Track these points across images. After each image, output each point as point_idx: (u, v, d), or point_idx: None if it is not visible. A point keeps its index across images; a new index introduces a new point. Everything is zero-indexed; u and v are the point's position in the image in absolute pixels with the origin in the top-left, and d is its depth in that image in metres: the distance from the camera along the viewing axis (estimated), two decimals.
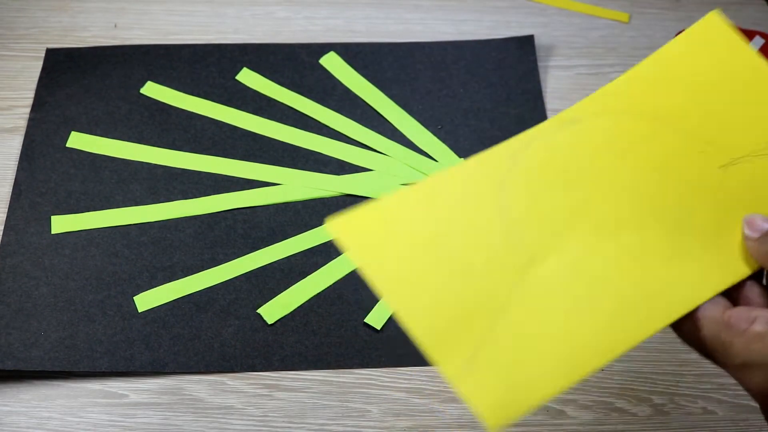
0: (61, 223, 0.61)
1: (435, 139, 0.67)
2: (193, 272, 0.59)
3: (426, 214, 0.38)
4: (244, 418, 0.54)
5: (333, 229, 0.37)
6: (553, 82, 0.72)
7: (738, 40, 0.42)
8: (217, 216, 0.63)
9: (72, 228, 0.61)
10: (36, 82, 0.70)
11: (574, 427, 0.54)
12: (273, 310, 0.58)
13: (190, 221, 0.62)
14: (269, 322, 0.57)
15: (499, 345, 0.35)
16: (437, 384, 0.55)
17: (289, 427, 0.54)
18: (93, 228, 0.61)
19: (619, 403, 0.55)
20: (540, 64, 0.73)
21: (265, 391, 0.55)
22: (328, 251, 0.61)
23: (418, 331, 0.35)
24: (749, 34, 0.73)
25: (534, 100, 0.70)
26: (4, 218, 0.62)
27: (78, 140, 0.66)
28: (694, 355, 0.56)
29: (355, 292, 0.59)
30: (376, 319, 0.57)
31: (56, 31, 0.74)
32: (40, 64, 0.71)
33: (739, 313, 0.35)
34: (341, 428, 0.54)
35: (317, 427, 0.54)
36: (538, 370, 0.35)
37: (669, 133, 0.40)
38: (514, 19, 0.77)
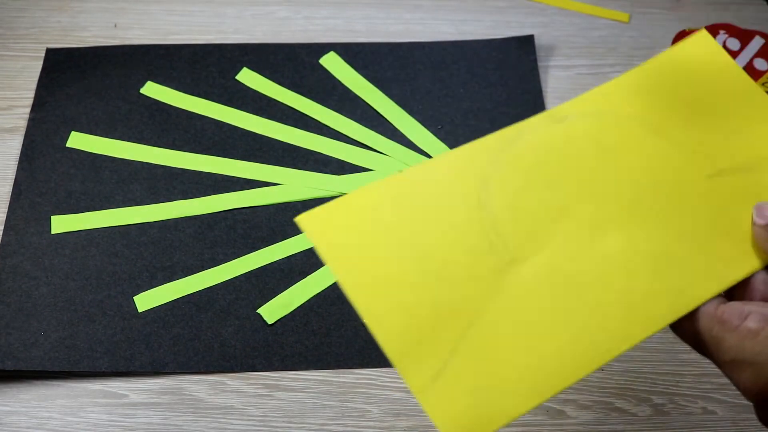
0: (61, 223, 0.61)
1: (435, 139, 0.67)
2: (193, 272, 0.59)
3: (401, 208, 0.37)
4: (244, 418, 0.54)
5: (302, 223, 0.36)
6: (553, 82, 0.72)
7: (727, 58, 0.43)
8: (217, 216, 0.63)
9: (72, 228, 0.61)
10: (36, 82, 0.70)
11: (574, 427, 0.54)
12: (273, 310, 0.58)
13: (190, 221, 0.62)
14: (269, 322, 0.57)
15: (470, 356, 0.34)
16: None
17: (289, 427, 0.54)
18: (93, 228, 0.61)
19: (619, 403, 0.55)
20: (540, 64, 0.73)
21: (265, 391, 0.55)
22: None
23: (384, 337, 0.34)
24: (749, 34, 0.73)
25: (534, 100, 0.70)
26: (4, 218, 0.62)
27: (78, 140, 0.66)
28: (694, 355, 0.57)
29: None
30: None
31: (56, 31, 0.74)
32: (40, 64, 0.71)
33: (732, 308, 0.34)
34: (341, 428, 0.54)
35: (317, 427, 0.54)
36: (510, 385, 0.33)
37: (656, 139, 0.40)
38: (514, 19, 0.77)
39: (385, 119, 0.69)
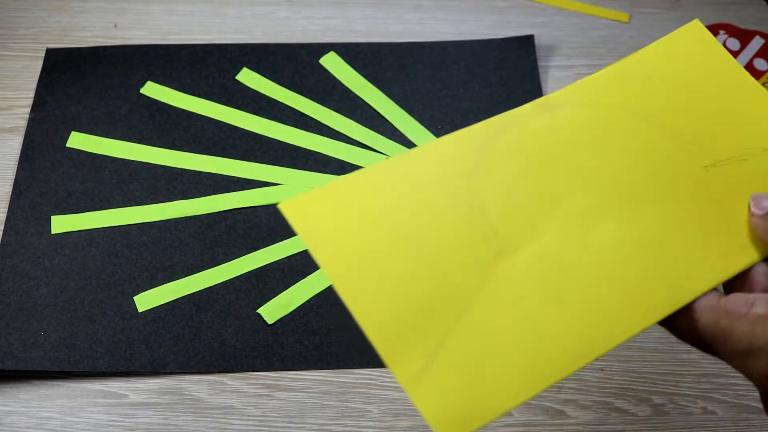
0: (61, 223, 0.61)
1: (435, 139, 0.67)
2: (193, 272, 0.59)
3: (388, 196, 0.35)
4: (244, 418, 0.54)
5: (285, 210, 0.34)
6: (553, 82, 0.72)
7: (720, 48, 0.42)
8: (217, 216, 0.63)
9: (72, 228, 0.61)
10: (36, 82, 0.70)
11: (574, 427, 0.54)
12: (273, 310, 0.58)
13: (190, 221, 0.62)
14: (269, 322, 0.57)
15: (460, 348, 0.33)
16: None
17: (289, 427, 0.54)
18: (93, 228, 0.61)
19: (619, 403, 0.55)
20: (540, 64, 0.73)
21: (265, 391, 0.55)
22: None
23: (371, 328, 0.33)
24: (749, 34, 0.73)
25: (534, 100, 0.70)
26: (4, 218, 0.62)
27: (78, 140, 0.66)
28: (694, 355, 0.57)
29: None
30: None
31: (56, 31, 0.74)
32: (40, 64, 0.71)
33: (736, 298, 0.34)
34: (341, 428, 0.54)
35: (317, 427, 0.54)
36: (501, 378, 0.32)
37: (650, 129, 0.40)
38: (514, 19, 0.77)
39: (385, 119, 0.69)
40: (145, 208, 0.63)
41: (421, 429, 0.54)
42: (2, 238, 0.61)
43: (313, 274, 0.60)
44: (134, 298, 0.58)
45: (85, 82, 0.70)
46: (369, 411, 0.54)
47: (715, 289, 0.36)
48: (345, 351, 0.56)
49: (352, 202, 0.35)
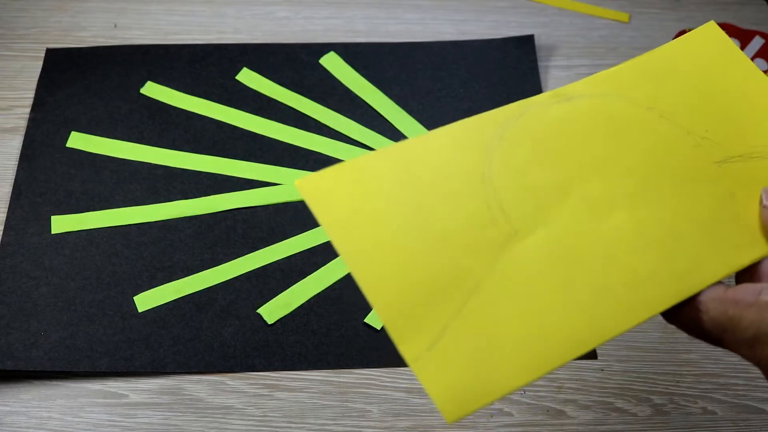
0: (61, 223, 0.61)
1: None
2: (193, 272, 0.59)
3: (402, 177, 0.36)
4: (244, 418, 0.54)
5: (301, 188, 0.35)
6: (553, 82, 0.72)
7: (735, 48, 0.43)
8: (217, 216, 0.63)
9: (72, 228, 0.61)
10: (36, 82, 0.70)
11: (574, 427, 0.54)
12: (273, 310, 0.58)
13: (190, 221, 0.62)
14: (269, 322, 0.57)
15: (467, 328, 0.33)
16: None
17: (289, 427, 0.54)
18: (93, 228, 0.61)
19: (619, 403, 0.55)
20: (540, 64, 0.73)
21: (265, 391, 0.55)
22: (328, 251, 0.61)
23: (381, 305, 0.33)
24: (749, 34, 0.73)
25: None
26: (4, 218, 0.62)
27: (78, 140, 0.66)
28: (694, 355, 0.57)
29: (355, 292, 0.58)
30: (376, 319, 0.57)
31: (56, 31, 0.74)
32: (40, 64, 0.71)
33: (744, 287, 0.34)
34: (341, 428, 0.54)
35: (317, 427, 0.54)
36: (506, 359, 0.33)
37: (664, 123, 0.40)
38: (514, 19, 0.77)
39: (385, 119, 0.69)
40: (145, 208, 0.63)
41: (420, 429, 0.54)
42: (2, 238, 0.61)
43: (313, 274, 0.60)
44: (134, 298, 0.58)
45: (85, 82, 0.70)
46: (369, 411, 0.54)
47: (720, 282, 0.36)
48: (345, 351, 0.56)
49: (366, 182, 0.36)
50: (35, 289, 0.58)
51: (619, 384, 0.56)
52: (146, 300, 0.58)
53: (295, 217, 0.63)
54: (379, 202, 0.35)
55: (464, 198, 0.36)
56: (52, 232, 0.61)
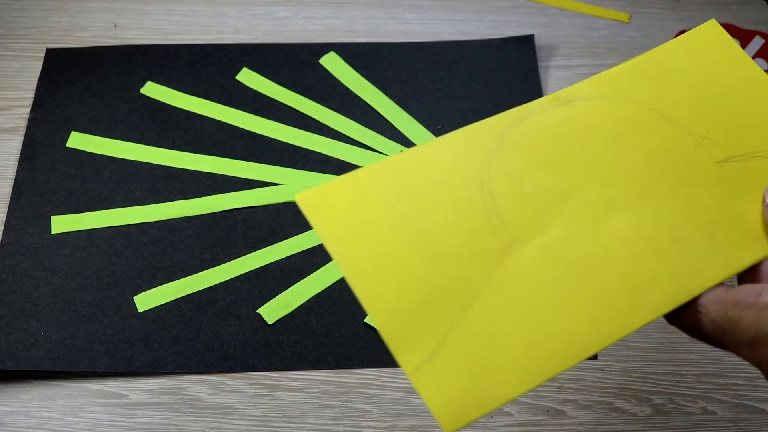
0: (61, 223, 0.61)
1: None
2: (193, 272, 0.59)
3: (401, 188, 0.36)
4: (244, 418, 0.54)
5: (301, 202, 0.35)
6: (553, 82, 0.72)
7: (736, 47, 0.43)
8: (217, 216, 0.63)
9: (72, 228, 0.61)
10: (36, 82, 0.70)
11: (574, 427, 0.54)
12: (273, 310, 0.58)
13: (190, 221, 0.62)
14: (269, 322, 0.57)
15: (466, 338, 0.33)
16: None
17: (289, 427, 0.54)
18: (93, 228, 0.61)
19: (619, 403, 0.55)
20: (540, 64, 0.73)
21: (265, 391, 0.55)
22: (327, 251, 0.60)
23: (379, 318, 0.33)
24: (749, 34, 0.73)
25: (534, 100, 0.70)
26: (4, 218, 0.62)
27: (78, 140, 0.66)
28: (694, 355, 0.57)
29: None
30: None
31: (56, 31, 0.74)
32: (40, 64, 0.71)
33: (744, 288, 0.34)
34: (341, 428, 0.54)
35: (317, 427, 0.54)
36: (505, 367, 0.33)
37: (664, 124, 0.40)
38: (514, 19, 0.77)
39: (385, 119, 0.69)
40: (145, 208, 0.63)
41: (420, 429, 0.54)
42: (2, 238, 0.61)
43: (313, 274, 0.60)
44: (134, 298, 0.58)
45: (85, 82, 0.70)
46: (369, 411, 0.54)
47: (722, 284, 0.36)
48: (345, 351, 0.56)
49: (365, 194, 0.36)
50: (35, 289, 0.58)
51: (619, 384, 0.56)
52: (146, 300, 0.58)
53: (295, 217, 0.63)
54: (379, 215, 0.35)
55: (463, 207, 0.36)
56: (52, 232, 0.61)
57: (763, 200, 0.38)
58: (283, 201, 0.63)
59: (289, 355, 0.56)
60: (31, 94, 0.69)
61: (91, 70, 0.71)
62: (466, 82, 0.71)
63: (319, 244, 0.61)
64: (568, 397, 0.55)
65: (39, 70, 0.71)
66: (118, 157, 0.65)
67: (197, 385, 0.55)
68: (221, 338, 0.57)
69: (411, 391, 0.55)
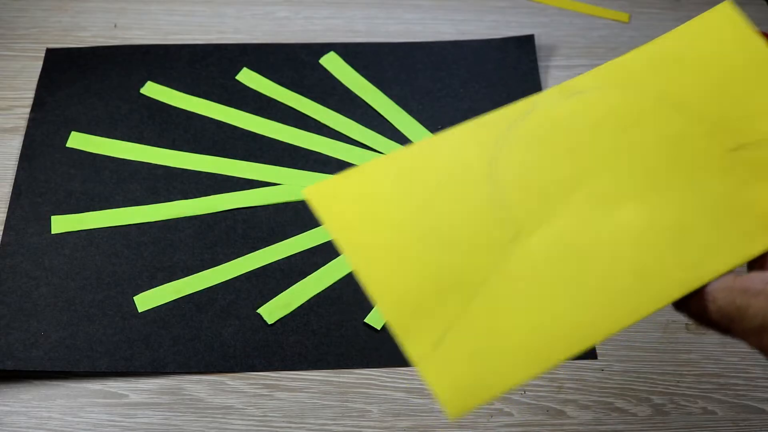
0: (61, 223, 0.61)
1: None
2: (193, 272, 0.59)
3: (409, 180, 0.36)
4: (244, 418, 0.54)
5: (309, 196, 0.36)
6: (553, 82, 0.72)
7: (749, 30, 0.42)
8: (217, 216, 0.63)
9: (72, 228, 0.61)
10: (36, 82, 0.70)
11: (574, 427, 0.54)
12: (273, 310, 0.58)
13: (190, 221, 0.62)
14: (269, 322, 0.57)
15: (472, 326, 0.34)
16: None
17: (289, 427, 0.54)
18: (93, 228, 0.61)
19: (619, 403, 0.55)
20: (540, 64, 0.73)
21: (265, 391, 0.55)
22: (328, 251, 0.61)
23: (385, 305, 0.34)
24: None
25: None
26: (4, 218, 0.62)
27: (78, 140, 0.66)
28: (694, 355, 0.57)
29: (355, 292, 0.59)
30: (376, 319, 0.57)
31: (56, 31, 0.74)
32: (40, 64, 0.71)
33: (752, 276, 0.34)
34: (341, 428, 0.54)
35: (317, 427, 0.54)
36: (512, 353, 0.33)
37: (674, 112, 0.39)
38: (514, 19, 0.77)
39: (385, 119, 0.69)
40: (145, 208, 0.63)
41: (421, 429, 0.54)
42: (2, 238, 0.61)
43: (313, 274, 0.60)
44: (134, 298, 0.58)
45: (85, 82, 0.70)
46: (369, 411, 0.54)
47: (731, 272, 0.36)
48: (345, 351, 0.56)
49: (372, 187, 0.36)
50: (35, 289, 0.58)
51: (619, 384, 0.56)
52: (146, 300, 0.58)
53: (295, 217, 0.63)
54: (386, 206, 0.36)
55: (470, 198, 0.36)
56: (52, 232, 0.61)
57: None
58: (283, 201, 0.63)
59: (289, 355, 0.56)
60: (31, 94, 0.69)
61: (91, 70, 0.71)
62: (466, 82, 0.71)
63: (319, 244, 0.61)
64: (568, 397, 0.55)
65: (39, 70, 0.71)
66: (118, 157, 0.65)
67: (197, 385, 0.55)
68: (221, 338, 0.57)
69: (411, 391, 0.55)
